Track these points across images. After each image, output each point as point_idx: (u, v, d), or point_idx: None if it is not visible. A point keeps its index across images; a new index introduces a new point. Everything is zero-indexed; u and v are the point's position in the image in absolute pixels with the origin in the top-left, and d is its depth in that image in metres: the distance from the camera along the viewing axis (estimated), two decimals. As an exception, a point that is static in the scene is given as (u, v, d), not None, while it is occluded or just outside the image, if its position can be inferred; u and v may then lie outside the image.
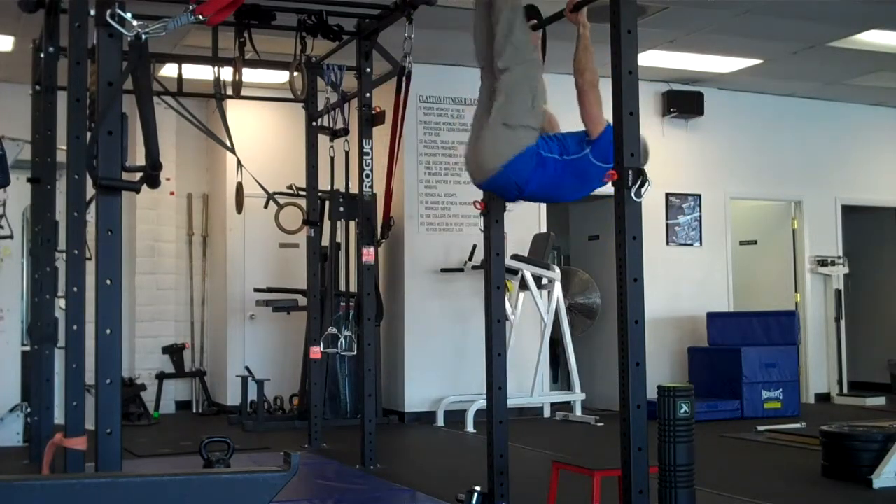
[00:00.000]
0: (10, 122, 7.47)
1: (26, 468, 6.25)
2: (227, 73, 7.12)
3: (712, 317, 9.53)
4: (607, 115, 4.16)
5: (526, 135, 4.33)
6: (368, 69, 6.63)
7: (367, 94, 6.61)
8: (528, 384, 8.65)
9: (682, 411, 3.82)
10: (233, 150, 7.35)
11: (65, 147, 4.46)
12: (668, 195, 9.79)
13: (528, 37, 4.49)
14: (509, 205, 5.14)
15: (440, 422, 8.55)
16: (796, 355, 9.35)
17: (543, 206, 9.17)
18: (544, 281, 8.79)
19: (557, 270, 8.87)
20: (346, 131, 7.06)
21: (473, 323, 8.35)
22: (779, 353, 9.14)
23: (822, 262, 10.47)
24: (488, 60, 4.50)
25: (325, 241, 8.46)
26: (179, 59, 7.38)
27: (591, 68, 4.35)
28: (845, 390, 10.47)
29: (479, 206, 4.95)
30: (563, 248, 10.59)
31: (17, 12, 6.08)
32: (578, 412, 8.83)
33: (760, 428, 7.91)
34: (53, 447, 4.07)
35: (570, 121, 4.61)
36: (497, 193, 4.73)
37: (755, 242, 10.91)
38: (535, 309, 8.75)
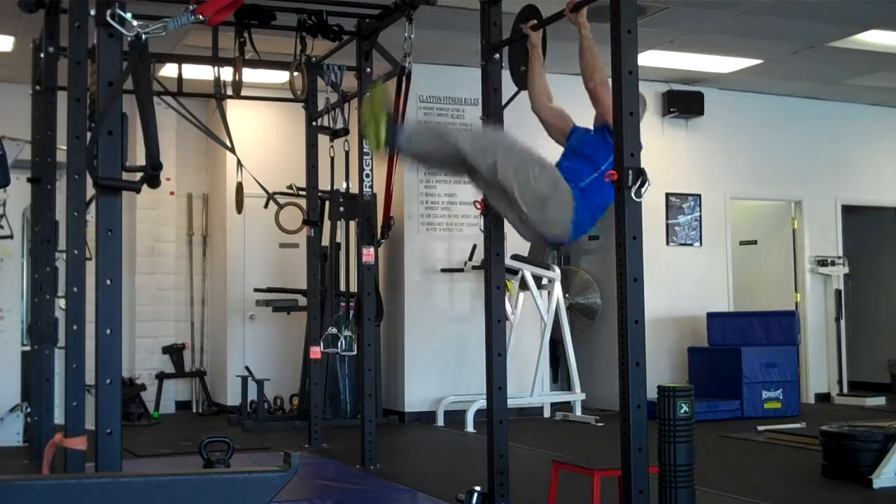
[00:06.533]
0: (10, 122, 7.47)
1: (26, 468, 6.24)
2: (227, 73, 7.12)
3: (712, 317, 9.52)
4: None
5: (561, 190, 4.20)
6: (368, 69, 6.63)
7: (367, 94, 6.60)
8: (528, 384, 8.65)
9: (682, 411, 3.82)
10: (233, 150, 7.35)
11: (65, 147, 4.46)
12: (668, 195, 9.79)
13: (493, 129, 4.41)
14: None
15: (440, 422, 8.55)
16: (796, 355, 9.34)
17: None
18: (544, 281, 8.78)
19: (557, 270, 8.87)
20: (346, 131, 7.05)
21: (473, 323, 8.35)
22: (779, 353, 9.13)
23: (822, 262, 10.47)
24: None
25: (325, 241, 8.46)
26: (179, 59, 7.38)
27: (600, 68, 4.33)
28: (845, 390, 10.47)
29: (479, 206, 4.94)
30: (563, 248, 10.58)
31: (17, 12, 6.08)
32: (578, 412, 8.83)
33: (760, 428, 7.91)
34: (53, 447, 4.07)
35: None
36: None
37: (755, 242, 10.90)
38: (535, 309, 8.75)
